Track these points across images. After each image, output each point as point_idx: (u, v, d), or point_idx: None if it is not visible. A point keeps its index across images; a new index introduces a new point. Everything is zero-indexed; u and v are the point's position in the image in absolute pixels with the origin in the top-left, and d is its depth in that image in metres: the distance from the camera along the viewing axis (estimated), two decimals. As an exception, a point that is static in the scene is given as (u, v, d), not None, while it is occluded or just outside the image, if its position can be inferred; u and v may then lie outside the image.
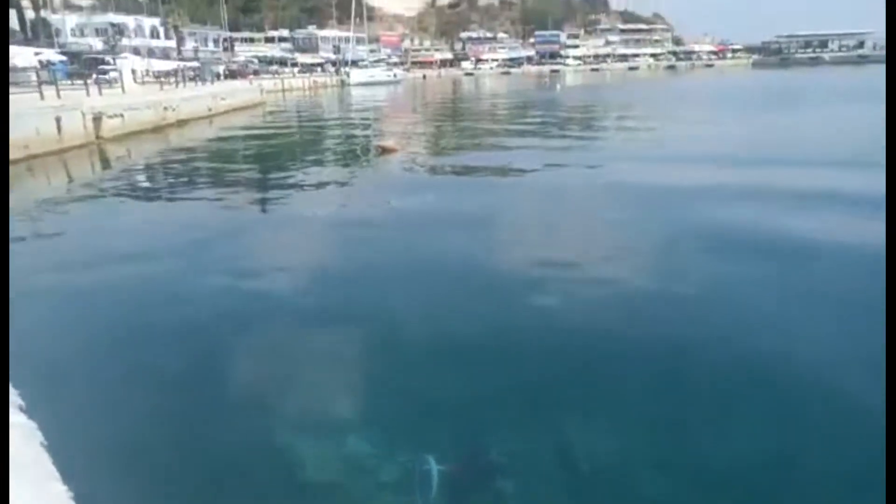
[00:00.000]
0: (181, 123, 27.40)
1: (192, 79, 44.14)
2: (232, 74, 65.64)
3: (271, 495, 3.81)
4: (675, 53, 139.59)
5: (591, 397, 4.87)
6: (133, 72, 44.02)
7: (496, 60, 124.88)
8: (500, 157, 17.35)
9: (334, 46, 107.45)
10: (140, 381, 5.24)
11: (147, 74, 46.97)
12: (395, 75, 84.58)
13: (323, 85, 72.12)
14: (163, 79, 41.20)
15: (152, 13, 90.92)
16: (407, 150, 19.00)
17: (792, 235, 8.78)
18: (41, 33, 72.68)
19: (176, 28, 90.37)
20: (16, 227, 10.52)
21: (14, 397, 2.35)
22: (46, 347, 5.77)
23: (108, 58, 57.15)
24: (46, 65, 47.15)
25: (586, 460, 4.02)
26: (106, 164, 18.52)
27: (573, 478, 3.90)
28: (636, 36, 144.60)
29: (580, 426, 4.41)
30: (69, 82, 29.95)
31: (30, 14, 77.08)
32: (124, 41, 75.84)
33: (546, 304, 6.69)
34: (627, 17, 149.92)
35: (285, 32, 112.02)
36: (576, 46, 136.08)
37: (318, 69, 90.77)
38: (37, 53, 56.31)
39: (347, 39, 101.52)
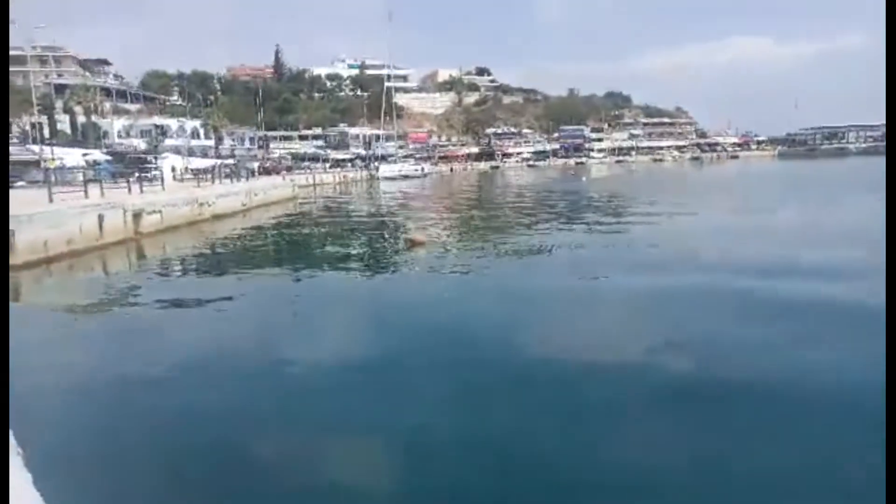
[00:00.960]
0: (216, 218, 28.22)
1: (228, 175, 45.93)
2: (266, 171, 68.41)
3: None
4: (699, 145, 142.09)
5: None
6: (173, 170, 46.18)
7: (521, 154, 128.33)
8: (528, 249, 17.33)
9: (364, 143, 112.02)
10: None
11: (186, 172, 49.15)
12: (422, 169, 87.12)
13: (353, 179, 74.51)
14: (200, 176, 42.97)
15: (194, 115, 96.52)
16: (435, 242, 19.12)
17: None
18: (90, 135, 77.27)
19: (215, 128, 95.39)
20: (52, 321, 10.70)
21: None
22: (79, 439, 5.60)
23: (151, 157, 60.19)
24: (93, 164, 49.82)
25: None
26: (142, 257, 18.99)
27: None
28: (659, 129, 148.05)
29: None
30: (113, 181, 31.34)
31: (82, 119, 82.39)
32: (167, 141, 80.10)
33: (578, 398, 6.35)
34: (650, 111, 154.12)
35: (318, 130, 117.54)
36: (600, 140, 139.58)
37: (349, 164, 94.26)
38: (84, 154, 59.64)
39: (377, 136, 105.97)
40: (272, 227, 27.73)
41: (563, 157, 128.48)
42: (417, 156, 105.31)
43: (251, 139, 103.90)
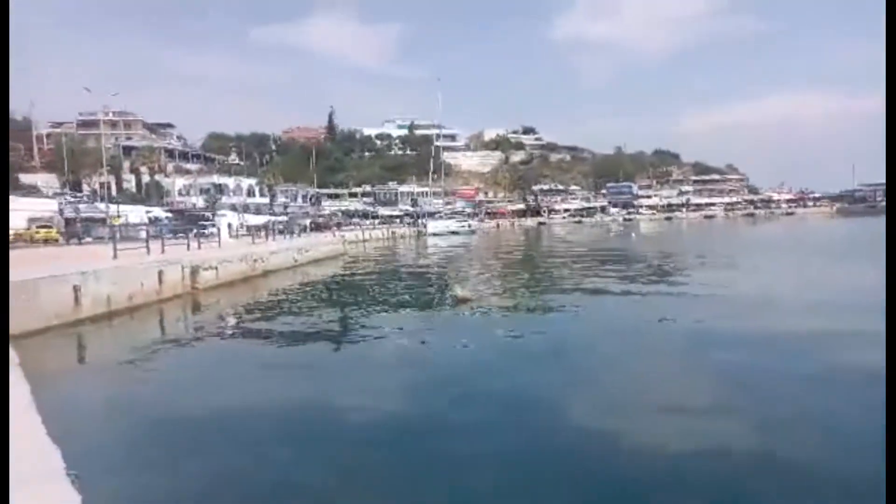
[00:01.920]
0: (268, 274, 28.95)
1: (281, 232, 47.40)
2: (317, 227, 70.36)
3: None
4: (751, 202, 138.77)
5: None
6: (229, 226, 48.01)
7: (568, 211, 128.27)
8: (576, 306, 17.08)
9: (412, 200, 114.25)
10: None
11: (241, 228, 51.01)
12: (469, 225, 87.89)
13: (401, 235, 75.70)
14: (255, 232, 44.48)
15: (251, 174, 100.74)
16: (482, 299, 19.06)
17: None
18: (154, 194, 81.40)
19: (270, 187, 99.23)
20: (106, 367, 11.08)
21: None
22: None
23: (209, 214, 62.81)
24: (154, 221, 52.34)
25: None
26: (197, 311, 19.58)
27: None
28: (710, 186, 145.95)
29: None
30: (174, 237, 32.72)
31: (146, 178, 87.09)
32: (224, 199, 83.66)
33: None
34: (700, 168, 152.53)
35: (368, 188, 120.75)
36: (648, 196, 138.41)
37: (397, 220, 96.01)
38: (147, 211, 62.85)
39: (425, 193, 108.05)
40: (321, 282, 28.23)
41: (610, 213, 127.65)
42: (465, 212, 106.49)
43: (304, 197, 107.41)
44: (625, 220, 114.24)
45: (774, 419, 7.61)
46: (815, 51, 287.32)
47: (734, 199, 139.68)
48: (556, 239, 67.38)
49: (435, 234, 75.99)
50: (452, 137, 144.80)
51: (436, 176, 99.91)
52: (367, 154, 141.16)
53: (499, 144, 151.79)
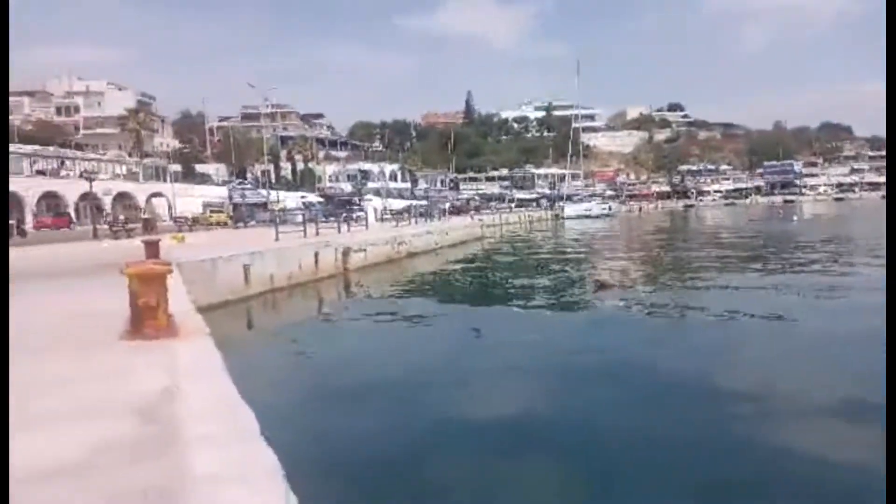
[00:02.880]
0: (411, 256, 30.14)
1: (422, 215, 48.95)
2: (456, 211, 71.74)
3: None
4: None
5: None
6: (374, 210, 50.44)
7: (719, 192, 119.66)
8: (726, 300, 15.95)
9: (550, 183, 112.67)
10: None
11: (385, 212, 53.43)
12: (609, 208, 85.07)
13: (538, 219, 75.02)
14: (397, 216, 46.40)
15: (393, 160, 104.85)
16: (624, 286, 18.47)
17: None
18: (307, 180, 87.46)
19: (410, 172, 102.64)
20: (277, 338, 12.29)
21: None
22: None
23: (356, 199, 66.37)
24: (308, 206, 56.31)
25: None
26: (349, 290, 21.02)
27: None
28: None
29: None
30: (325, 220, 35.04)
31: (300, 165, 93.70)
32: (369, 184, 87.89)
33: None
34: (876, 142, 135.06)
35: (504, 172, 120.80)
36: (814, 175, 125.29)
37: (534, 204, 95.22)
38: (302, 196, 67.66)
39: (563, 176, 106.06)
40: (461, 264, 28.89)
41: (767, 194, 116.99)
42: (604, 195, 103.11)
43: (442, 181, 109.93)
44: (785, 201, 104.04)
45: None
46: None
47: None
48: (705, 223, 63.29)
49: (572, 218, 74.44)
50: (592, 117, 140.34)
51: (574, 158, 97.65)
52: (504, 137, 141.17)
53: (642, 123, 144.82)
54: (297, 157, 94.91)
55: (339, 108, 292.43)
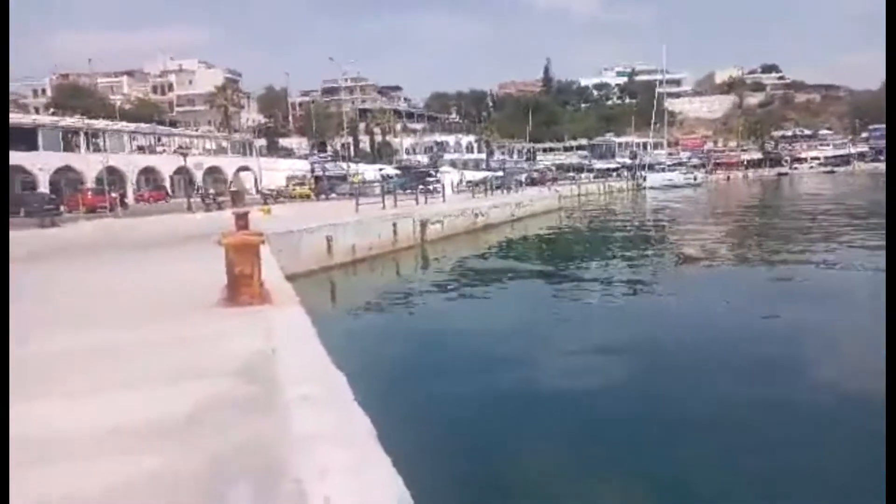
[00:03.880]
0: (488, 228, 30.14)
1: (499, 187, 48.61)
2: (532, 182, 70.75)
3: None
4: None
5: None
6: (451, 182, 50.53)
7: (817, 159, 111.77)
8: (819, 278, 15.00)
9: (631, 152, 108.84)
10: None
11: (461, 184, 53.45)
12: (695, 178, 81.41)
13: (618, 189, 72.90)
14: (474, 188, 46.32)
15: (469, 131, 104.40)
16: (709, 258, 17.79)
17: None
18: (385, 153, 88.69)
19: (487, 143, 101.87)
20: (364, 308, 12.74)
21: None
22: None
23: (433, 171, 66.72)
24: (386, 178, 57.14)
25: None
26: (426, 261, 21.36)
27: None
28: None
29: None
30: (403, 192, 35.47)
31: (378, 138, 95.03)
32: (445, 156, 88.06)
33: None
34: None
35: (583, 141, 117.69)
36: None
37: (614, 174, 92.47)
38: (380, 169, 68.73)
39: (645, 145, 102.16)
40: (538, 236, 28.64)
41: (872, 160, 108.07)
42: (689, 163, 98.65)
43: (519, 151, 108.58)
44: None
45: None
46: None
47: None
48: (801, 191, 59.47)
49: (655, 188, 71.77)
50: (677, 82, 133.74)
51: (657, 125, 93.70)
52: (583, 105, 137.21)
53: (732, 87, 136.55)
54: (376, 129, 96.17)
55: (416, 80, 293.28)
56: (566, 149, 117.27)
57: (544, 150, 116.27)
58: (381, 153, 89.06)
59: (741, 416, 6.70)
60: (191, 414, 3.20)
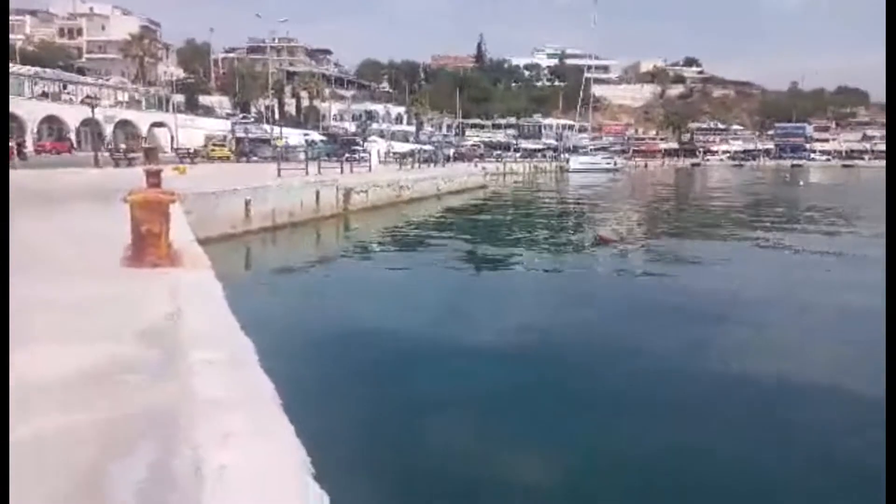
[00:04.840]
0: (412, 201, 30.05)
1: (426, 160, 48.47)
2: (460, 157, 71.03)
3: None
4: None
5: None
6: (378, 152, 49.90)
7: (727, 152, 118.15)
8: (725, 262, 16.00)
9: (557, 134, 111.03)
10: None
11: (388, 155, 52.90)
12: (615, 163, 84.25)
13: (543, 170, 74.41)
14: (401, 159, 45.98)
15: (400, 102, 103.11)
16: (625, 241, 18.52)
17: None
18: (311, 118, 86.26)
19: (417, 115, 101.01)
20: (280, 274, 12.40)
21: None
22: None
23: (360, 139, 65.56)
24: (311, 144, 55.70)
25: None
26: (348, 231, 21.06)
27: None
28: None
29: None
30: (328, 159, 34.71)
31: (305, 102, 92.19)
32: (374, 125, 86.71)
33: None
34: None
35: (512, 120, 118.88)
36: (825, 140, 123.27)
37: (539, 154, 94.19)
38: (305, 134, 66.86)
39: (570, 127, 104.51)
40: (462, 212, 28.84)
41: (776, 157, 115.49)
42: (612, 149, 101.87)
43: (448, 126, 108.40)
44: (793, 166, 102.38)
45: None
46: None
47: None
48: (711, 182, 62.81)
49: (577, 171, 73.79)
50: (605, 69, 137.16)
51: (583, 109, 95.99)
52: (514, 85, 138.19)
53: (655, 76, 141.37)
54: (303, 93, 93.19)
55: (347, 46, 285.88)
56: (495, 126, 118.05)
57: (473, 127, 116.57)
58: (307, 118, 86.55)
59: (650, 387, 7.07)
60: (84, 379, 3.02)
